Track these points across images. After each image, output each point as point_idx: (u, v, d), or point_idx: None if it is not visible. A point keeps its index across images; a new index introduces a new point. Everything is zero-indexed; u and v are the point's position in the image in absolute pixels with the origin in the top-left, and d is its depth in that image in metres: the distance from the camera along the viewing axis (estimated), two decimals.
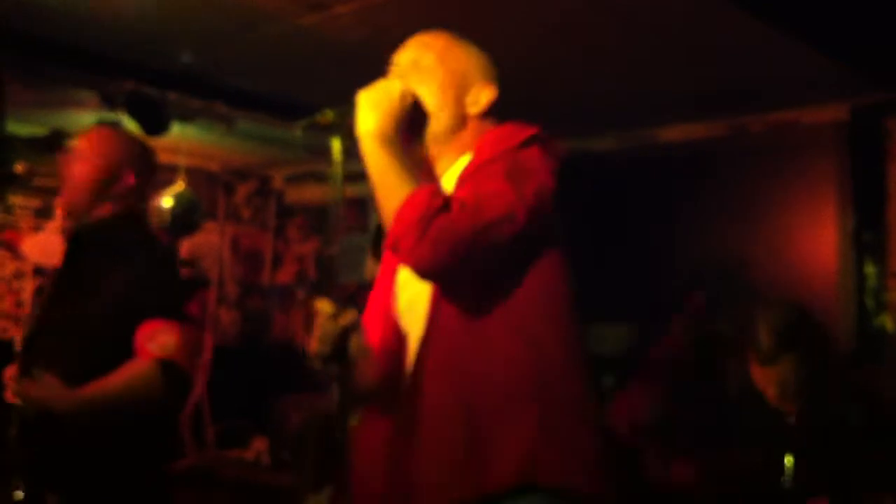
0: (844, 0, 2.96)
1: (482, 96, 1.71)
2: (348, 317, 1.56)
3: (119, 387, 2.12)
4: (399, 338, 1.69)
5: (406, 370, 1.64)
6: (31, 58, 3.63)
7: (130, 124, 3.88)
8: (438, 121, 1.67)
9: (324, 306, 1.56)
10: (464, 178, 1.58)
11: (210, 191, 6.12)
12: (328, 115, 1.63)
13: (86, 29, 3.43)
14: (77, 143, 2.41)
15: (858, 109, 3.97)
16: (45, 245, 2.39)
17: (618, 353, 4.31)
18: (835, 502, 2.45)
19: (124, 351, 2.16)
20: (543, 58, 3.49)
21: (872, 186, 3.94)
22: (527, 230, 1.50)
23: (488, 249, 1.48)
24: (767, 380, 2.66)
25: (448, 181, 1.65)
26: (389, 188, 1.52)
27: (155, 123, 4.04)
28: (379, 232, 2.87)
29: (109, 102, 4.03)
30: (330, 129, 1.64)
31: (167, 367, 2.14)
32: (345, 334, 1.55)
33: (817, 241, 4.07)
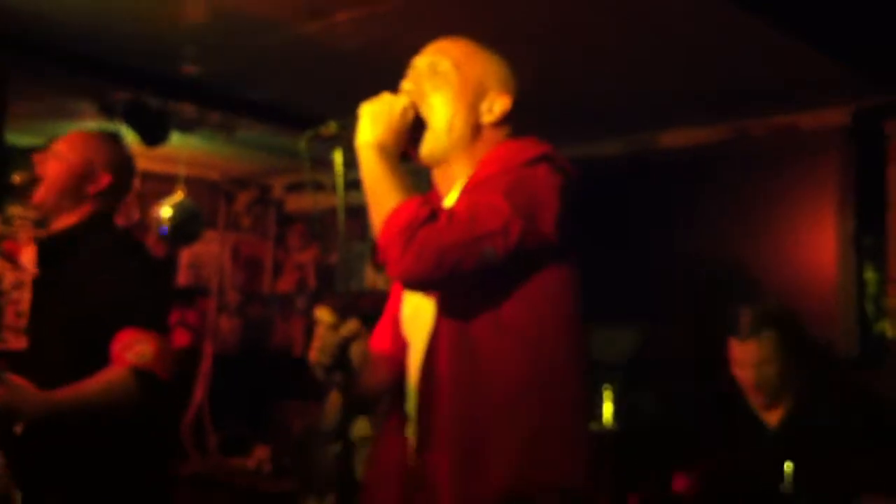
0: (845, 2, 2.96)
1: (496, 105, 1.70)
2: (349, 326, 1.57)
3: (92, 393, 2.10)
4: (404, 347, 1.69)
5: (412, 379, 1.64)
6: (30, 67, 3.63)
7: (129, 134, 3.88)
8: (452, 127, 1.67)
9: (324, 316, 1.57)
10: (465, 191, 1.58)
11: (210, 200, 6.13)
12: (331, 127, 1.64)
13: (85, 38, 3.44)
14: (56, 143, 2.40)
15: (859, 113, 3.97)
16: (33, 253, 2.40)
17: (621, 357, 4.31)
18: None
19: (101, 359, 2.14)
20: (545, 62, 3.48)
21: (873, 191, 3.93)
22: (522, 245, 1.49)
23: (478, 262, 1.47)
24: (744, 360, 2.71)
25: (457, 191, 1.66)
26: (381, 198, 1.52)
27: (154, 133, 4.04)
28: None
29: (108, 112, 4.03)
30: (333, 141, 1.65)
31: (143, 376, 2.12)
32: (345, 344, 1.56)
33: (817, 245, 4.07)
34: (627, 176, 4.60)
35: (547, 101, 3.80)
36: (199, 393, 5.79)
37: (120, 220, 2.53)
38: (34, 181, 2.37)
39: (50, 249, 2.35)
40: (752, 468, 2.63)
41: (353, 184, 1.62)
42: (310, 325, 1.60)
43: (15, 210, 3.68)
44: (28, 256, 2.43)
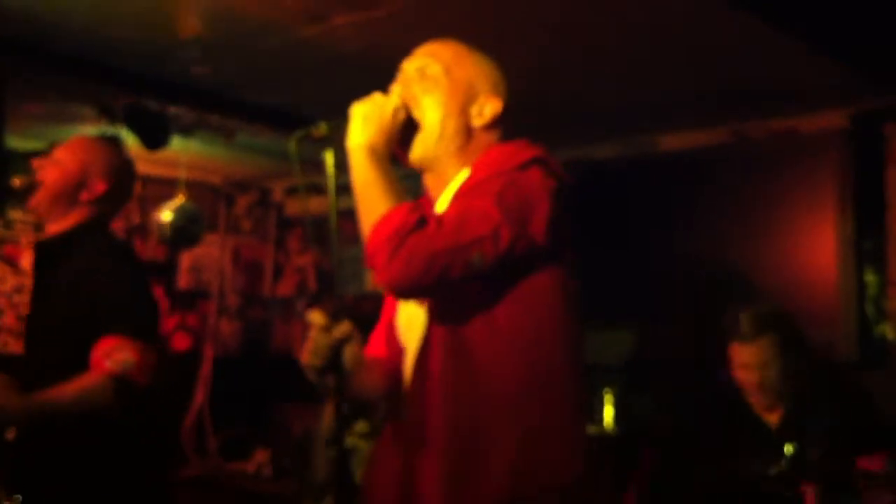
0: (844, 4, 2.96)
1: (487, 108, 1.69)
2: (342, 328, 1.55)
3: (69, 399, 2.09)
4: (400, 353, 1.69)
5: (406, 386, 1.65)
6: (31, 71, 3.64)
7: (130, 138, 3.88)
8: (443, 131, 1.66)
9: (316, 318, 1.56)
10: (456, 196, 1.58)
11: (211, 203, 6.13)
12: (322, 128, 1.63)
13: (85, 42, 3.44)
14: (56, 149, 2.42)
15: (858, 116, 3.97)
16: (30, 257, 2.41)
17: (620, 359, 4.31)
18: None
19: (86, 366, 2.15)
20: (544, 66, 3.49)
21: (872, 193, 3.93)
22: (513, 250, 1.48)
23: (467, 268, 1.46)
24: (746, 363, 2.73)
25: (449, 195, 1.64)
26: (371, 203, 1.51)
27: (155, 137, 4.04)
28: None
29: (109, 116, 4.04)
30: (324, 142, 1.64)
31: (122, 384, 2.12)
32: (338, 346, 1.55)
33: (817, 248, 4.07)
34: (627, 178, 4.60)
35: (547, 104, 3.81)
36: (200, 396, 5.79)
37: (120, 224, 2.53)
38: (34, 185, 2.38)
39: (44, 254, 2.36)
40: (754, 470, 2.63)
41: (348, 186, 1.62)
42: (308, 327, 1.59)
43: (15, 214, 3.68)
44: (28, 260, 2.44)
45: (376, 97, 1.63)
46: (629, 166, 4.66)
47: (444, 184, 1.68)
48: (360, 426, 4.25)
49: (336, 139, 1.61)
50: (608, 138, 4.70)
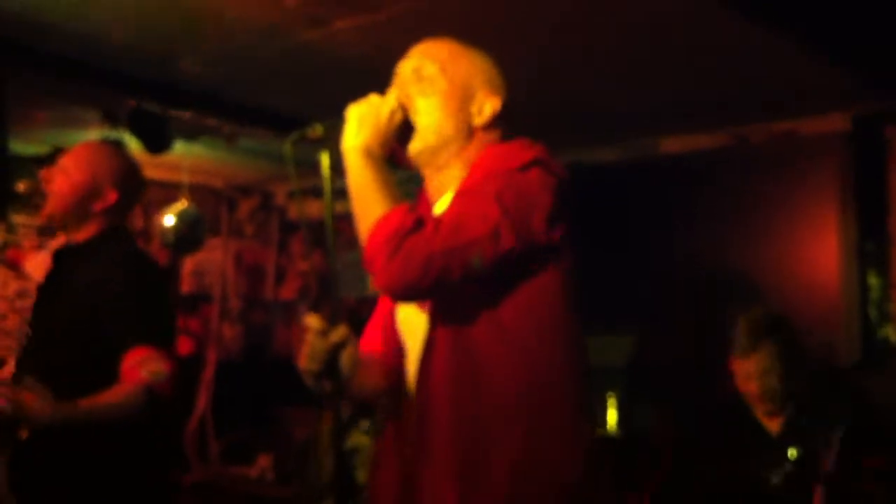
0: (845, 7, 2.97)
1: (486, 107, 1.66)
2: (338, 333, 1.54)
3: (109, 407, 2.11)
4: (399, 353, 1.69)
5: (407, 386, 1.64)
6: (35, 75, 3.65)
7: (133, 142, 3.89)
8: (441, 131, 1.64)
9: (313, 322, 1.55)
10: (456, 197, 1.56)
11: (213, 207, 6.15)
12: (317, 129, 1.62)
13: (88, 46, 3.45)
14: (62, 158, 2.40)
15: (859, 119, 3.97)
16: (47, 263, 2.40)
17: (621, 363, 4.31)
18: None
19: (102, 369, 2.15)
20: (545, 69, 3.50)
21: (874, 196, 3.93)
22: (514, 250, 1.47)
23: (465, 270, 1.45)
24: (748, 374, 2.74)
25: (450, 195, 1.63)
26: (367, 205, 1.50)
27: (157, 141, 4.05)
28: None
29: (112, 120, 4.04)
30: (320, 143, 1.62)
31: (153, 394, 2.13)
32: (334, 350, 1.54)
33: (820, 251, 4.07)
34: (628, 182, 4.60)
35: (548, 108, 3.82)
36: (202, 400, 5.79)
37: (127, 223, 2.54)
38: (38, 190, 2.38)
39: (66, 258, 2.36)
40: (759, 474, 2.64)
41: (346, 190, 1.61)
42: (305, 331, 1.58)
43: (19, 218, 3.70)
44: (32, 265, 2.44)
45: (372, 98, 1.62)
46: (630, 169, 4.66)
47: (444, 184, 1.67)
48: (364, 423, 4.26)
49: (332, 140, 1.60)
50: (609, 141, 4.70)
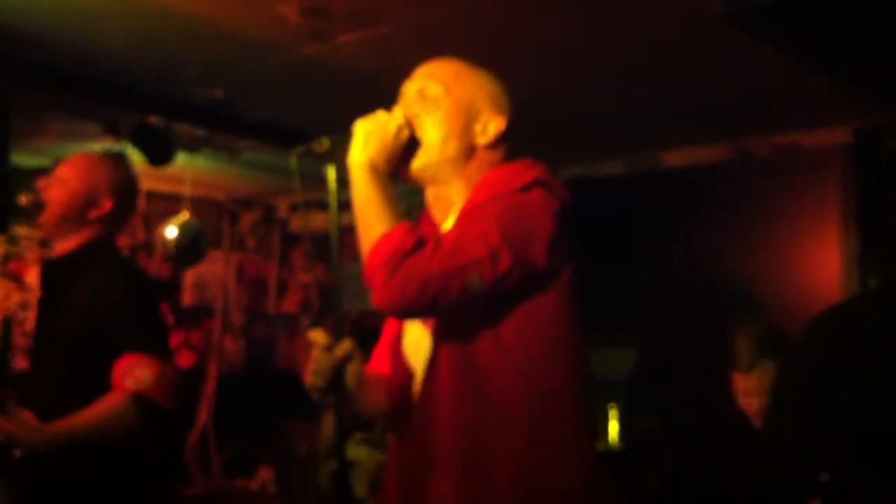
0: (847, 20, 2.97)
1: (490, 126, 1.67)
2: (343, 348, 1.55)
3: (93, 422, 2.11)
4: (406, 374, 1.69)
5: (413, 405, 1.65)
6: (37, 88, 3.66)
7: (135, 155, 3.90)
8: (445, 151, 1.65)
9: (318, 337, 1.56)
10: (458, 218, 1.58)
11: (215, 220, 6.15)
12: (324, 144, 1.63)
13: (91, 60, 3.46)
14: (59, 167, 2.42)
15: (861, 132, 3.98)
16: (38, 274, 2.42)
17: (622, 375, 4.30)
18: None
19: (98, 389, 2.15)
20: (546, 82, 3.51)
21: (876, 209, 3.93)
22: (513, 272, 1.47)
23: (463, 290, 1.45)
24: (750, 390, 2.74)
25: (454, 215, 1.64)
26: (369, 221, 1.51)
27: (160, 154, 4.05)
28: None
29: (114, 133, 4.05)
30: (326, 158, 1.63)
31: (143, 402, 2.13)
32: (339, 366, 1.55)
33: (821, 263, 4.07)
34: (630, 195, 4.61)
35: (550, 121, 3.83)
36: (204, 414, 5.78)
37: (124, 240, 2.55)
38: (41, 203, 2.38)
39: (53, 272, 2.37)
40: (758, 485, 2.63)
41: (350, 203, 1.62)
42: (310, 346, 1.59)
43: (21, 230, 3.70)
44: (33, 277, 2.45)
45: (379, 115, 1.63)
46: (632, 182, 4.67)
47: (448, 203, 1.68)
48: (360, 435, 4.25)
49: (338, 155, 1.61)
50: (611, 155, 4.71)
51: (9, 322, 2.34)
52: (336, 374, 1.54)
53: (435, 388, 1.58)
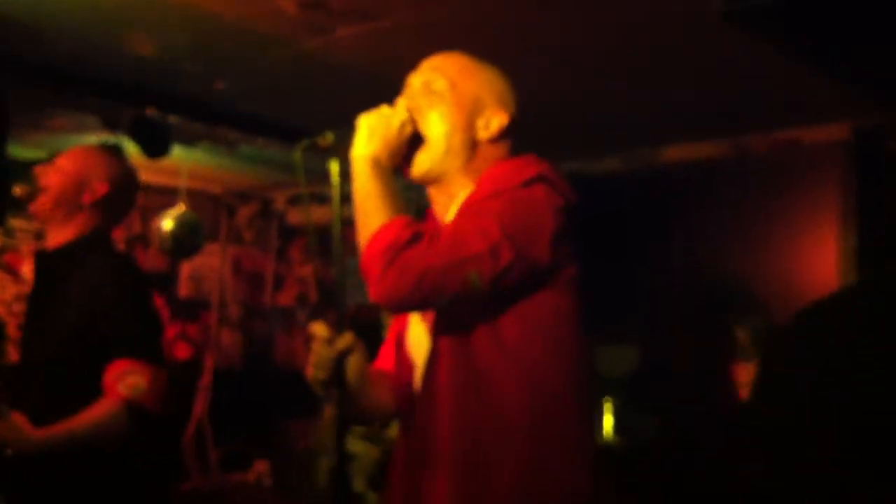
0: (846, 18, 2.96)
1: (493, 122, 1.67)
2: (344, 340, 1.55)
3: (85, 428, 2.10)
4: (409, 369, 1.69)
5: (415, 400, 1.64)
6: (34, 81, 3.65)
7: (132, 147, 3.89)
8: (449, 145, 1.64)
9: (319, 330, 1.55)
10: (459, 213, 1.57)
11: (212, 213, 6.14)
12: (328, 138, 1.62)
13: (88, 53, 3.45)
14: (58, 158, 2.42)
15: (860, 130, 3.98)
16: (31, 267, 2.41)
17: (619, 373, 4.31)
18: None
19: (89, 387, 2.14)
20: (546, 76, 3.50)
21: (875, 206, 3.93)
22: (513, 269, 1.46)
23: (462, 286, 1.44)
24: (750, 378, 2.73)
25: (456, 210, 1.64)
26: (368, 215, 1.51)
27: (156, 146, 4.04)
28: None
29: (111, 126, 4.04)
30: (329, 152, 1.63)
31: (135, 409, 2.13)
32: (341, 358, 1.54)
33: (820, 261, 4.07)
34: (629, 191, 4.61)
35: (548, 117, 3.82)
36: (200, 407, 5.77)
37: (120, 233, 2.54)
38: (36, 194, 2.38)
39: (47, 265, 2.35)
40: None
41: (351, 196, 1.62)
42: (311, 339, 1.59)
43: (17, 222, 3.69)
44: (29, 269, 2.44)
45: (383, 109, 1.62)
46: (630, 179, 4.67)
47: (450, 198, 1.67)
48: (360, 430, 4.25)
49: (341, 149, 1.60)
50: (610, 151, 4.71)
51: (1, 321, 2.33)
52: (337, 367, 1.54)
53: (433, 386, 1.57)
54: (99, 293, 2.21)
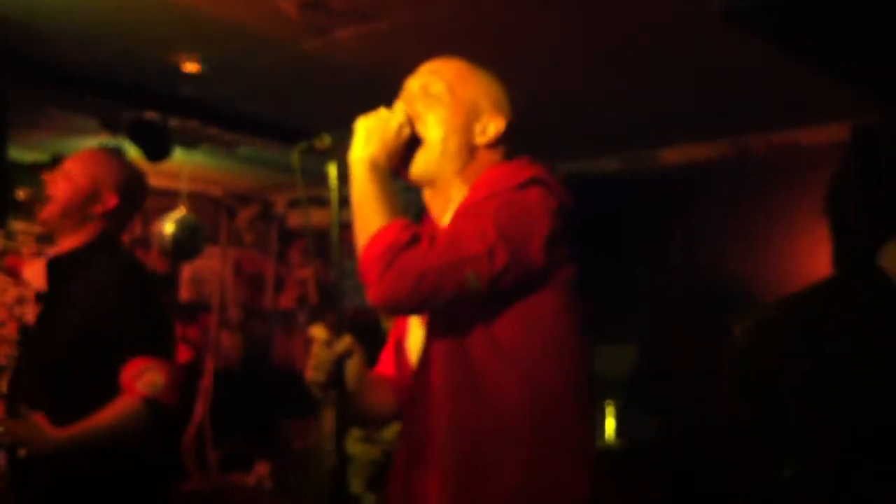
0: (845, 18, 2.97)
1: (490, 127, 1.68)
2: (343, 343, 1.55)
3: (106, 426, 2.12)
4: (409, 371, 1.69)
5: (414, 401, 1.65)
6: (34, 84, 3.65)
7: (132, 150, 3.89)
8: (445, 149, 1.65)
9: (318, 333, 1.56)
10: (455, 216, 1.57)
11: (212, 215, 6.14)
12: (326, 140, 1.63)
13: (88, 55, 3.45)
14: (67, 162, 2.41)
15: (859, 130, 3.98)
16: (43, 272, 2.41)
17: (619, 374, 4.31)
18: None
19: (95, 389, 2.15)
20: (545, 79, 3.50)
21: (874, 206, 3.93)
22: (509, 270, 1.47)
23: (460, 287, 1.45)
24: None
25: (452, 213, 1.64)
26: (366, 217, 1.51)
27: (157, 149, 4.05)
28: None
29: (111, 128, 4.05)
30: (327, 154, 1.63)
31: (154, 405, 2.14)
32: (340, 361, 1.55)
33: (819, 262, 4.04)
34: (627, 192, 4.61)
35: (548, 118, 3.82)
36: (200, 409, 5.78)
37: (122, 236, 2.54)
38: (38, 197, 2.38)
39: (57, 269, 2.35)
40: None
41: (349, 199, 1.62)
42: (311, 342, 1.59)
43: (18, 225, 3.70)
44: (31, 272, 2.44)
45: (381, 112, 1.63)
46: (630, 180, 4.67)
47: (446, 202, 1.68)
48: (357, 432, 4.26)
49: (339, 152, 1.61)
50: (609, 152, 4.71)
51: (25, 327, 2.34)
52: (336, 370, 1.54)
53: (429, 387, 1.57)
54: (104, 295, 2.22)
